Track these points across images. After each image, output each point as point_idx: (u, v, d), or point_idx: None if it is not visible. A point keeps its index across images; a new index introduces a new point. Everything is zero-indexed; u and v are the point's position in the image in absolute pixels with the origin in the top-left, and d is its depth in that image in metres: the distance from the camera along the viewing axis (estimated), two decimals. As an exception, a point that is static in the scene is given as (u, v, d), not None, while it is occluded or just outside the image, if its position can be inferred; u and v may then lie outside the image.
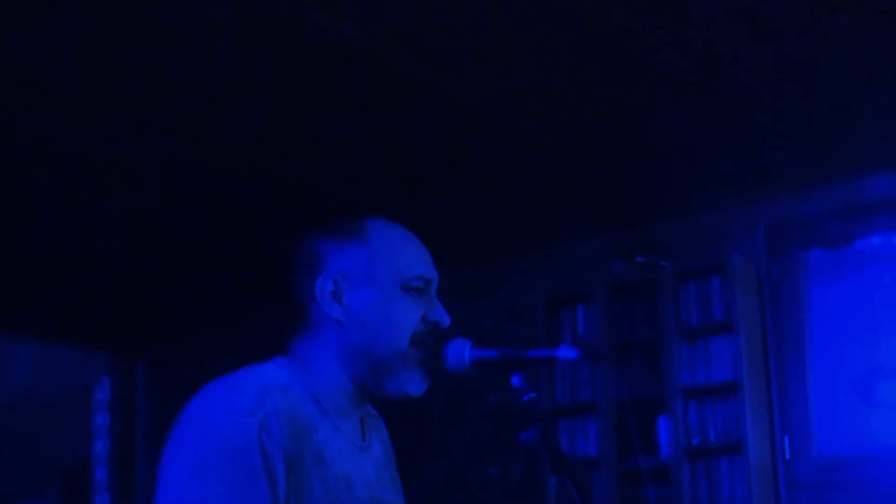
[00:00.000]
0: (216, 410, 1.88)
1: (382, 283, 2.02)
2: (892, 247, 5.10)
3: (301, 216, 5.43)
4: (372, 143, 4.75)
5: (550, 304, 5.67)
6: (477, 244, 5.96)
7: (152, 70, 4.04)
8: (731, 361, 5.12)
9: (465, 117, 4.54)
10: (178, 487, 1.83)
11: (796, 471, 5.14)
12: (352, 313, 2.01)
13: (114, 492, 7.35)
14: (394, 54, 3.95)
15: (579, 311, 5.65)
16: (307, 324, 2.05)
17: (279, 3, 3.61)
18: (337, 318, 2.00)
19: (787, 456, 5.13)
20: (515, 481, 5.86)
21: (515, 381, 1.98)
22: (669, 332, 5.23)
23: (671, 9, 3.72)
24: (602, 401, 5.39)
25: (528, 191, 5.33)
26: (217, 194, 5.23)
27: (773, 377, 5.25)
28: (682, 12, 3.73)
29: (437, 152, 4.90)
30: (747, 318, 5.16)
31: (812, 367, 5.23)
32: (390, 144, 4.80)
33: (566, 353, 2.00)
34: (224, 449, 1.83)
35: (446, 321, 2.04)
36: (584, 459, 5.35)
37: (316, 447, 1.94)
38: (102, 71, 4.03)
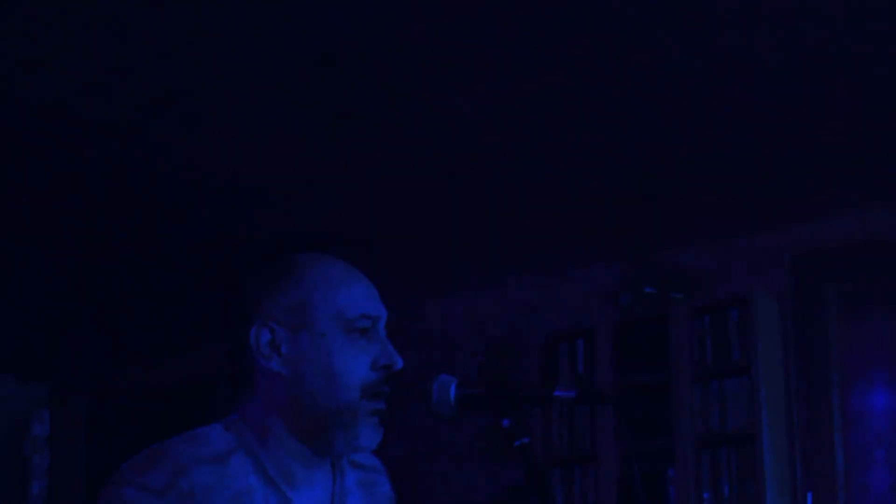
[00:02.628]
0: (128, 482, 1.90)
1: (322, 327, 1.98)
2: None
3: (264, 240, 5.51)
4: (357, 156, 4.73)
5: (548, 339, 5.61)
6: (468, 271, 5.96)
7: (119, 73, 4.06)
8: (748, 408, 5.06)
9: (460, 131, 4.52)
10: None
11: (820, 532, 5.24)
12: (292, 365, 1.97)
13: (51, 540, 7.58)
14: (384, 59, 3.96)
15: (580, 347, 5.59)
16: (245, 378, 2.02)
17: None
18: (276, 370, 1.97)
19: (810, 514, 5.21)
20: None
21: (506, 423, 1.94)
22: (681, 373, 5.18)
23: (692, 20, 3.73)
24: (603, 450, 5.33)
25: (526, 213, 5.28)
26: (169, 219, 5.25)
27: (796, 426, 5.22)
28: (704, 23, 3.75)
29: (427, 169, 4.89)
30: (768, 360, 5.12)
31: (840, 416, 5.20)
32: (377, 159, 4.78)
33: (564, 394, 1.96)
34: None
35: (398, 364, 1.99)
36: (583, 515, 5.28)
37: None
38: (60, 76, 4.05)
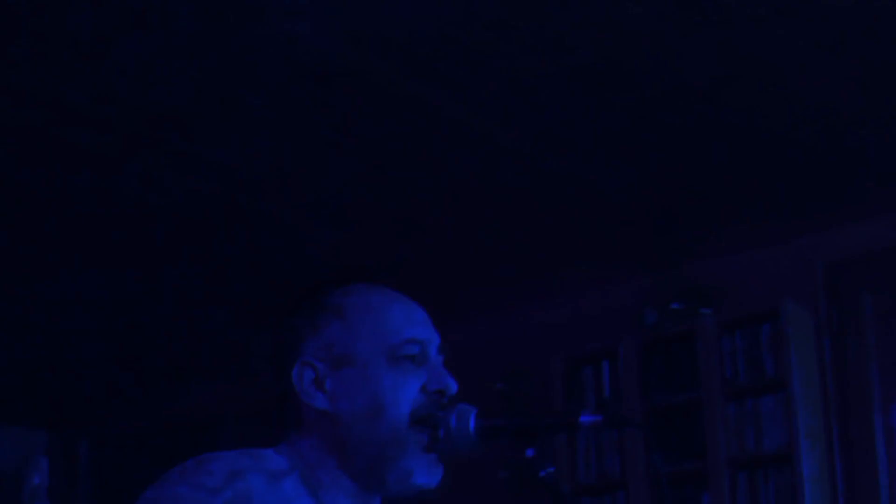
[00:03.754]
0: (179, 482, 1.88)
1: (366, 358, 1.97)
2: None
3: (268, 272, 5.53)
4: (364, 177, 4.72)
5: (571, 361, 5.59)
6: (484, 292, 5.90)
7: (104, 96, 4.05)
8: (785, 426, 5.01)
9: (471, 146, 4.51)
10: None
11: (865, 557, 5.21)
12: (337, 401, 1.95)
13: None
14: (390, 72, 3.96)
15: (605, 369, 5.56)
16: (291, 415, 2.00)
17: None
18: (322, 408, 1.95)
19: (855, 539, 5.17)
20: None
21: (530, 453, 1.90)
22: (712, 392, 5.14)
23: (711, 18, 3.73)
24: (633, 475, 5.29)
25: (543, 228, 5.24)
26: (165, 256, 5.27)
27: (837, 444, 5.15)
28: (724, 21, 3.73)
29: (439, 186, 4.89)
30: (804, 375, 5.07)
31: (882, 432, 5.15)
32: (384, 177, 4.75)
33: (590, 419, 1.91)
34: None
35: (453, 388, 1.95)
36: (614, 547, 5.36)
37: None
38: (44, 96, 4.04)
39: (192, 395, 7.01)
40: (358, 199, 4.94)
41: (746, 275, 5.40)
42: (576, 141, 4.52)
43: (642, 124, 4.40)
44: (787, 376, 4.98)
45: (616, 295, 5.71)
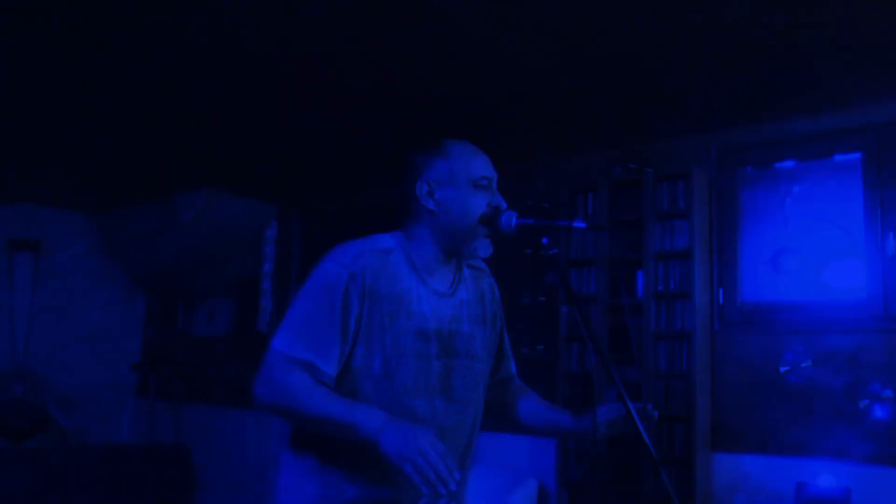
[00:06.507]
0: (328, 261, 2.23)
1: (459, 183, 2.28)
2: (798, 170, 5.60)
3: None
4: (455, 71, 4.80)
5: (571, 192, 6.18)
6: (527, 149, 6.38)
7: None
8: (688, 237, 5.68)
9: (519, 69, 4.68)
10: (294, 299, 2.21)
11: (726, 312, 5.73)
12: (440, 205, 2.28)
13: (275, 298, 8.01)
14: None
15: (590, 198, 6.13)
16: (411, 212, 2.33)
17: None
18: (431, 209, 2.30)
19: (721, 301, 5.72)
20: (540, 308, 6.56)
21: (544, 240, 2.11)
22: (648, 215, 5.78)
23: None
24: (600, 257, 5.93)
25: (560, 123, 5.80)
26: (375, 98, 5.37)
27: (715, 248, 5.87)
28: None
29: (505, 89, 5.12)
30: (700, 209, 5.79)
31: (741, 240, 5.84)
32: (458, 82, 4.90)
33: (579, 224, 2.20)
34: (323, 284, 2.17)
35: (503, 205, 2.27)
36: (587, 296, 5.92)
37: (398, 291, 2.22)
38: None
39: (372, 192, 7.53)
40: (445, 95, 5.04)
41: (675, 151, 6.12)
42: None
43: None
44: (690, 209, 5.65)
45: (600, 157, 6.43)
